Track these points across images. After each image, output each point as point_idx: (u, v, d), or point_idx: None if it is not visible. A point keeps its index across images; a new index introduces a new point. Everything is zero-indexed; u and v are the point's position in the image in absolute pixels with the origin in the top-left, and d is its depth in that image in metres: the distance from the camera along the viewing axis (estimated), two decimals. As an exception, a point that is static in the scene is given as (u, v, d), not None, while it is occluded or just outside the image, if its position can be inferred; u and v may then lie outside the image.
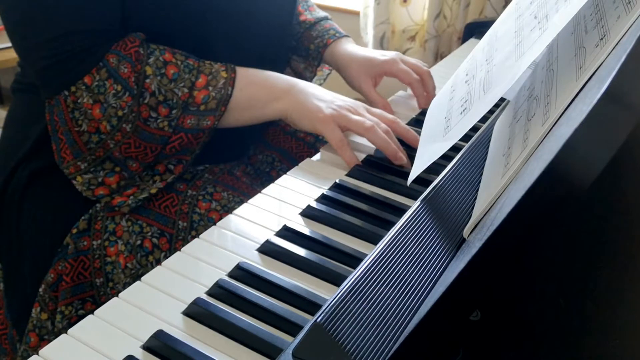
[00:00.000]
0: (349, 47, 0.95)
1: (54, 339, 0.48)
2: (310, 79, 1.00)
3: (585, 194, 0.34)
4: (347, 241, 0.61)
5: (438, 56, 1.88)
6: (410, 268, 0.50)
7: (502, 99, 0.73)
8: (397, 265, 0.50)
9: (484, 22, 1.41)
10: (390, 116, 0.78)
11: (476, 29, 1.33)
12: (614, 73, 0.34)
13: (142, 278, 0.55)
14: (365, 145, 0.78)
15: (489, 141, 0.66)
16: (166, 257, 0.71)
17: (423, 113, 0.90)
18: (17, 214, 0.81)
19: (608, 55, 0.42)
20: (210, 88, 0.74)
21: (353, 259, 0.57)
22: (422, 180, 0.68)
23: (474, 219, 0.51)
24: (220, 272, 0.56)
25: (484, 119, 0.63)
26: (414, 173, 0.64)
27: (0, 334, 0.87)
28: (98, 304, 0.76)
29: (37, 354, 0.47)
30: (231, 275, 0.55)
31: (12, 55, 0.78)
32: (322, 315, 0.44)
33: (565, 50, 0.52)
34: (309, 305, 0.52)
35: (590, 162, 0.34)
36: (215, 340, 0.49)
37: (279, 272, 0.56)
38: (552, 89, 0.49)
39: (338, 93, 0.80)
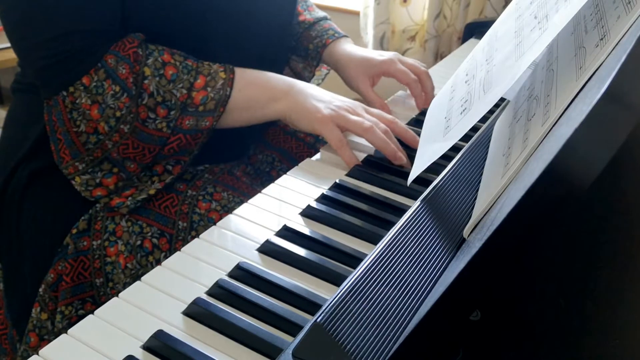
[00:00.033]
0: (347, 47, 0.96)
1: (54, 339, 0.48)
2: (308, 79, 1.00)
3: (585, 194, 0.34)
4: (347, 241, 0.61)
5: (438, 56, 1.88)
6: (410, 268, 0.50)
7: (502, 99, 0.73)
8: (397, 265, 0.50)
9: (484, 22, 1.41)
10: (388, 116, 0.78)
11: (476, 29, 1.34)
12: (614, 73, 0.34)
13: (142, 278, 0.55)
14: (365, 145, 0.78)
15: (489, 141, 0.66)
16: (166, 257, 0.71)
17: (423, 113, 0.90)
18: (17, 214, 0.81)
19: (608, 55, 0.42)
20: (209, 89, 0.74)
21: (353, 259, 0.57)
22: (422, 180, 0.68)
23: (474, 219, 0.51)
24: (220, 272, 0.56)
25: (484, 119, 0.63)
26: (414, 173, 0.64)
27: (0, 334, 0.87)
28: (98, 304, 0.76)
29: (37, 354, 0.47)
30: (231, 275, 0.55)
31: (12, 55, 0.78)
32: (322, 315, 0.44)
33: (565, 50, 0.52)
34: (309, 305, 0.52)
35: (590, 162, 0.34)
36: (215, 340, 0.49)
37: (279, 272, 0.56)
38: (552, 89, 0.49)
39: (336, 93, 0.80)
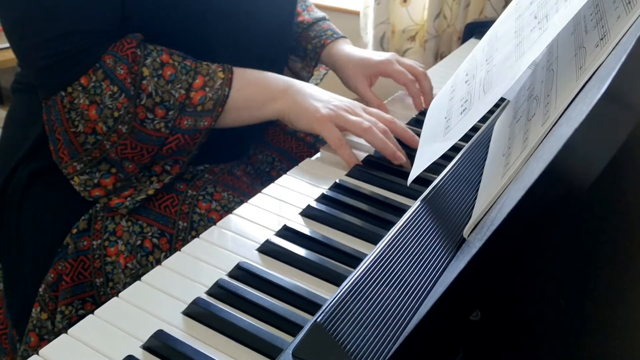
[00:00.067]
0: (346, 47, 0.96)
1: (54, 338, 0.48)
2: (307, 79, 1.01)
3: (585, 194, 0.34)
4: (347, 241, 0.61)
5: (438, 56, 1.88)
6: (410, 268, 0.50)
7: (502, 99, 0.73)
8: (397, 265, 0.50)
9: (484, 22, 1.41)
10: (387, 116, 0.79)
11: (476, 29, 1.34)
12: (614, 73, 0.34)
13: (142, 278, 0.55)
14: (365, 144, 0.78)
15: (489, 141, 0.66)
16: (166, 257, 0.71)
17: (423, 113, 0.90)
18: (17, 214, 0.81)
19: (608, 55, 0.42)
20: (207, 89, 0.74)
21: (353, 259, 0.57)
22: (422, 180, 0.68)
23: (474, 219, 0.51)
24: (220, 272, 0.56)
25: (484, 119, 0.63)
26: (414, 173, 0.64)
27: (0, 333, 0.87)
28: (98, 303, 0.76)
29: (37, 353, 0.47)
30: (231, 275, 0.55)
31: (12, 55, 0.78)
32: (322, 315, 0.44)
33: (565, 50, 0.52)
34: (309, 305, 0.52)
35: (590, 162, 0.34)
36: (215, 340, 0.49)
37: (279, 272, 0.56)
38: (552, 89, 0.49)
39: (334, 93, 0.80)
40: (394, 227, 0.56)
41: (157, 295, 0.53)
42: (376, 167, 0.75)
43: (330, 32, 0.98)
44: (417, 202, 0.59)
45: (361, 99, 0.92)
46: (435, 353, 0.39)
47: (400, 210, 0.65)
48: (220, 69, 0.75)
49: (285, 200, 0.67)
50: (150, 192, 0.76)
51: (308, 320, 0.48)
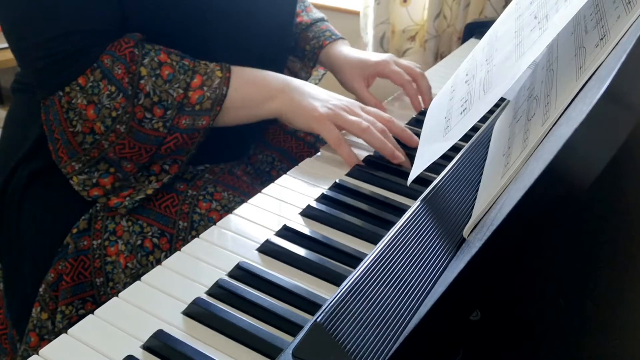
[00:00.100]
0: (344, 49, 0.96)
1: (54, 338, 0.48)
2: (305, 80, 1.01)
3: (585, 194, 0.34)
4: (347, 241, 0.61)
5: (438, 56, 1.88)
6: (410, 268, 0.50)
7: (502, 99, 0.73)
8: (397, 265, 0.50)
9: (484, 22, 1.41)
10: (385, 115, 0.79)
11: (476, 29, 1.34)
12: (614, 73, 0.34)
13: (142, 278, 0.55)
14: (365, 143, 0.78)
15: (489, 141, 0.66)
16: (166, 257, 0.71)
17: (423, 113, 0.90)
18: (17, 214, 0.81)
19: (608, 55, 0.42)
20: (205, 88, 0.74)
21: (353, 259, 0.57)
22: (422, 180, 0.68)
23: (474, 219, 0.51)
24: (220, 272, 0.56)
25: (484, 119, 0.63)
26: (414, 173, 0.64)
27: (0, 333, 0.87)
28: (98, 303, 0.76)
29: (37, 353, 0.47)
30: (231, 275, 0.55)
31: (12, 55, 0.78)
32: (322, 315, 0.44)
33: (565, 50, 0.52)
34: (309, 305, 0.52)
35: (590, 162, 0.34)
36: (215, 340, 0.49)
37: (279, 272, 0.56)
38: (552, 89, 0.49)
39: (333, 92, 0.80)
40: (394, 227, 0.56)
41: (157, 295, 0.53)
42: (376, 167, 0.75)
43: (328, 34, 0.98)
44: (417, 202, 0.59)
45: (359, 99, 0.92)
46: (435, 353, 0.39)
47: (400, 210, 0.65)
48: (218, 67, 0.75)
49: (285, 200, 0.67)
50: (149, 191, 0.76)
51: (308, 320, 0.48)
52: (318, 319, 0.43)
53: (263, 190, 0.69)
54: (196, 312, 0.51)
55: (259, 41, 0.85)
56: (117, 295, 0.53)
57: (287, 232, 0.61)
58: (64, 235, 0.77)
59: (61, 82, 0.70)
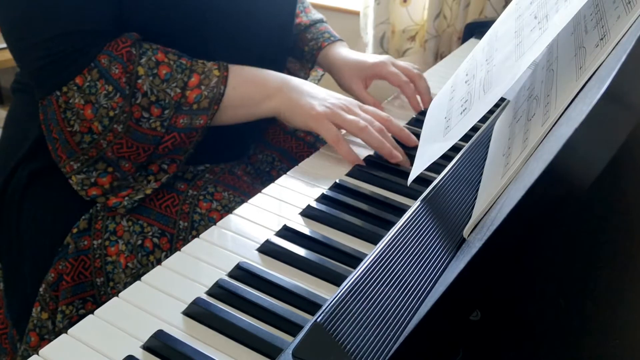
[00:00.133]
0: (342, 50, 0.97)
1: (55, 338, 0.48)
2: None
3: (585, 194, 0.34)
4: (347, 241, 0.61)
5: (438, 56, 1.88)
6: (410, 268, 0.50)
7: (502, 99, 0.73)
8: (397, 265, 0.50)
9: (484, 22, 1.41)
10: (383, 114, 0.79)
11: (476, 29, 1.34)
12: (614, 73, 0.34)
13: (142, 278, 0.55)
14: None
15: (489, 141, 0.66)
16: (167, 256, 0.71)
17: (423, 113, 0.90)
18: (17, 214, 0.81)
19: (608, 55, 0.42)
20: (203, 87, 0.74)
21: (353, 259, 0.57)
22: (422, 180, 0.68)
23: (474, 219, 0.51)
24: (220, 272, 0.56)
25: (484, 119, 0.63)
26: (414, 173, 0.64)
27: (0, 333, 0.87)
28: (99, 303, 0.76)
29: (37, 353, 0.47)
30: (231, 275, 0.55)
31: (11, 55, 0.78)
32: (322, 315, 0.44)
33: (565, 50, 0.52)
34: (309, 305, 0.52)
35: (590, 162, 0.34)
36: (215, 340, 0.49)
37: (279, 272, 0.56)
38: (552, 89, 0.49)
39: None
40: (394, 227, 0.56)
41: (157, 295, 0.53)
42: (376, 167, 0.75)
43: (327, 35, 0.99)
44: (417, 202, 0.59)
45: (357, 99, 0.93)
46: (435, 353, 0.39)
47: (400, 210, 0.65)
48: (216, 66, 0.75)
49: (285, 200, 0.67)
50: (148, 191, 0.76)
51: (308, 320, 0.48)
52: (318, 319, 0.43)
53: (263, 190, 0.69)
54: (196, 312, 0.51)
55: (259, 41, 0.85)
56: (117, 295, 0.53)
57: (287, 232, 0.61)
58: (64, 235, 0.77)
59: (59, 82, 0.70)
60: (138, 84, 0.71)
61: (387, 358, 0.41)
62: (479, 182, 0.60)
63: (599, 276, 0.40)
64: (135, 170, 0.76)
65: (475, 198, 0.57)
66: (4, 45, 0.75)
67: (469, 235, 0.51)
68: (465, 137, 0.61)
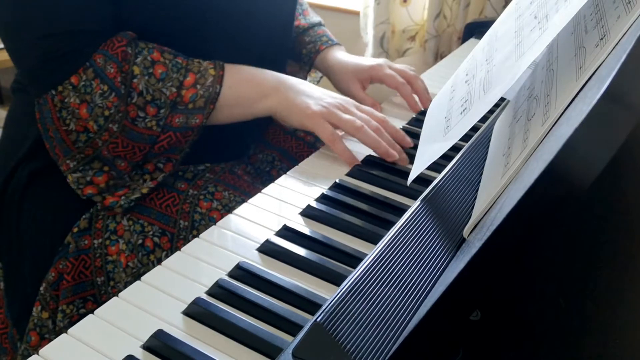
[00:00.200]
0: (339, 54, 0.97)
1: (55, 337, 0.48)
2: None
3: (585, 194, 0.34)
4: (347, 241, 0.61)
5: (438, 56, 1.88)
6: (410, 268, 0.50)
7: (502, 99, 0.73)
8: (397, 265, 0.50)
9: (484, 22, 1.41)
10: (379, 115, 0.79)
11: (476, 29, 1.34)
12: (614, 73, 0.34)
13: (142, 278, 0.55)
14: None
15: (489, 141, 0.66)
16: (167, 256, 0.71)
17: (423, 113, 0.90)
18: (17, 214, 0.81)
19: (608, 55, 0.42)
20: (199, 86, 0.74)
21: (353, 259, 0.57)
22: (422, 180, 0.68)
23: (474, 219, 0.51)
24: (220, 272, 0.56)
25: (484, 119, 0.63)
26: (414, 173, 0.64)
27: (0, 333, 0.87)
28: (99, 302, 0.76)
29: (38, 353, 0.47)
30: (231, 275, 0.55)
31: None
32: (322, 315, 0.44)
33: (565, 50, 0.52)
34: (309, 305, 0.52)
35: (590, 162, 0.34)
36: (215, 340, 0.49)
37: (279, 272, 0.56)
38: (552, 88, 0.49)
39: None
40: (394, 227, 0.56)
41: (157, 295, 0.53)
42: (376, 166, 0.75)
43: (325, 39, 0.99)
44: (417, 202, 0.59)
45: (355, 100, 0.93)
46: (435, 353, 0.39)
47: (400, 210, 0.65)
48: (212, 66, 0.75)
49: (285, 200, 0.67)
50: (145, 190, 0.76)
51: (308, 320, 0.48)
52: (318, 319, 0.43)
53: (263, 190, 0.69)
54: (196, 312, 0.51)
55: (259, 41, 0.85)
56: (117, 295, 0.53)
57: (287, 232, 0.61)
58: (64, 235, 0.77)
59: (54, 81, 0.70)
60: (134, 84, 0.71)
61: (387, 358, 0.41)
62: (479, 182, 0.60)
63: (599, 276, 0.40)
64: (131, 169, 0.76)
65: (475, 198, 0.57)
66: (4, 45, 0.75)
67: (469, 235, 0.51)
68: (465, 137, 0.61)
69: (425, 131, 0.69)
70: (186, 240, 0.74)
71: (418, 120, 0.90)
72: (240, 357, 0.47)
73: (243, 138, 0.91)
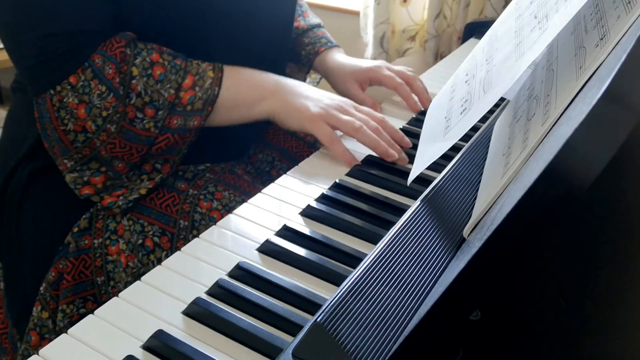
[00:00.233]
0: (338, 56, 0.97)
1: (55, 337, 0.48)
2: None
3: (585, 194, 0.34)
4: (347, 241, 0.61)
5: (438, 56, 1.88)
6: (410, 268, 0.50)
7: (502, 99, 0.73)
8: (397, 265, 0.50)
9: (484, 22, 1.41)
10: (378, 115, 0.79)
11: (476, 29, 1.34)
12: (614, 73, 0.34)
13: (142, 278, 0.55)
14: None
15: (489, 141, 0.66)
16: (167, 256, 0.71)
17: (423, 113, 0.90)
18: (17, 214, 0.81)
19: (608, 55, 0.42)
20: (197, 88, 0.74)
21: (353, 259, 0.57)
22: (422, 180, 0.68)
23: (474, 219, 0.51)
24: (220, 272, 0.56)
25: (484, 119, 0.63)
26: (414, 173, 0.64)
27: (0, 333, 0.87)
28: (99, 302, 0.76)
29: (38, 353, 0.47)
30: (231, 275, 0.55)
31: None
32: (322, 315, 0.44)
33: (565, 50, 0.52)
34: (309, 305, 0.52)
35: (590, 162, 0.34)
36: (215, 340, 0.49)
37: (279, 272, 0.56)
38: (552, 88, 0.49)
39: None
40: (394, 227, 0.56)
41: (157, 295, 0.53)
42: (376, 166, 0.75)
43: (324, 40, 0.99)
44: (417, 202, 0.59)
45: (354, 100, 0.93)
46: (435, 353, 0.39)
47: (400, 210, 0.65)
48: (211, 67, 0.75)
49: (285, 200, 0.67)
50: (143, 191, 0.76)
51: (308, 320, 0.48)
52: (318, 319, 0.43)
53: (263, 190, 0.69)
54: (196, 312, 0.51)
55: (259, 41, 0.85)
56: (117, 295, 0.53)
57: (287, 232, 0.61)
58: (64, 235, 0.77)
59: (53, 81, 0.70)
60: (132, 85, 0.71)
61: (387, 358, 0.41)
62: (479, 182, 0.60)
63: (599, 276, 0.40)
64: (129, 170, 0.76)
65: (475, 198, 0.57)
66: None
67: (469, 235, 0.51)
68: (465, 137, 0.61)
69: (425, 131, 0.69)
70: (186, 240, 0.74)
71: (418, 120, 0.90)
72: (240, 357, 0.47)
73: (243, 138, 0.91)
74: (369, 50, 1.89)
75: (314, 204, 0.66)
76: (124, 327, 0.49)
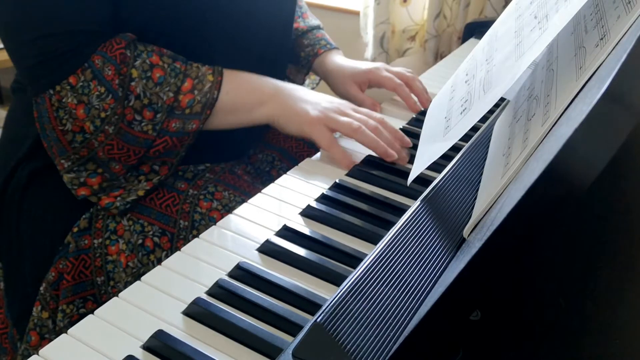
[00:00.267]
0: (337, 58, 0.98)
1: (55, 337, 0.48)
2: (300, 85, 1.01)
3: (585, 194, 0.34)
4: (347, 241, 0.61)
5: (438, 56, 1.88)
6: (410, 268, 0.50)
7: (502, 99, 0.73)
8: (397, 265, 0.50)
9: (484, 22, 1.41)
10: (377, 115, 0.79)
11: (476, 29, 1.34)
12: (614, 73, 0.34)
13: (142, 278, 0.55)
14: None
15: (489, 141, 0.66)
16: (167, 256, 0.71)
17: (423, 113, 0.90)
18: (17, 214, 0.81)
19: (608, 55, 0.42)
20: (196, 92, 0.74)
21: (353, 259, 0.57)
22: (422, 180, 0.68)
23: (474, 219, 0.51)
24: (220, 272, 0.56)
25: (484, 119, 0.63)
26: (414, 173, 0.64)
27: (0, 333, 0.87)
28: (99, 302, 0.76)
29: (38, 353, 0.47)
30: (231, 275, 0.55)
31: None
32: (322, 315, 0.44)
33: (565, 50, 0.52)
34: (309, 305, 0.52)
35: (590, 162, 0.34)
36: (215, 340, 0.49)
37: (279, 272, 0.56)
38: (552, 88, 0.49)
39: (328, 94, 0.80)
40: (394, 227, 0.56)
41: (157, 295, 0.53)
42: (376, 167, 0.75)
43: (324, 42, 1.00)
44: (417, 202, 0.59)
45: (354, 101, 0.93)
46: (435, 353, 0.39)
47: (400, 210, 0.65)
48: (210, 71, 0.75)
49: (285, 200, 0.67)
50: (141, 193, 0.76)
51: (308, 320, 0.48)
52: (318, 319, 0.43)
53: (263, 190, 0.69)
54: (196, 312, 0.51)
55: (259, 41, 0.85)
56: (117, 295, 0.53)
57: (287, 232, 0.61)
58: (64, 235, 0.77)
59: (52, 81, 0.70)
60: (131, 87, 0.71)
61: (387, 358, 0.41)
62: (479, 182, 0.60)
63: (599, 276, 0.40)
64: (126, 172, 0.76)
65: (475, 198, 0.57)
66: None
67: (469, 235, 0.51)
68: (465, 137, 0.61)
69: (425, 131, 0.69)
70: (186, 240, 0.74)
71: (418, 120, 0.90)
72: (240, 357, 0.47)
73: (243, 138, 0.91)
74: (369, 50, 1.89)
75: (314, 204, 0.66)
76: (124, 327, 0.49)
